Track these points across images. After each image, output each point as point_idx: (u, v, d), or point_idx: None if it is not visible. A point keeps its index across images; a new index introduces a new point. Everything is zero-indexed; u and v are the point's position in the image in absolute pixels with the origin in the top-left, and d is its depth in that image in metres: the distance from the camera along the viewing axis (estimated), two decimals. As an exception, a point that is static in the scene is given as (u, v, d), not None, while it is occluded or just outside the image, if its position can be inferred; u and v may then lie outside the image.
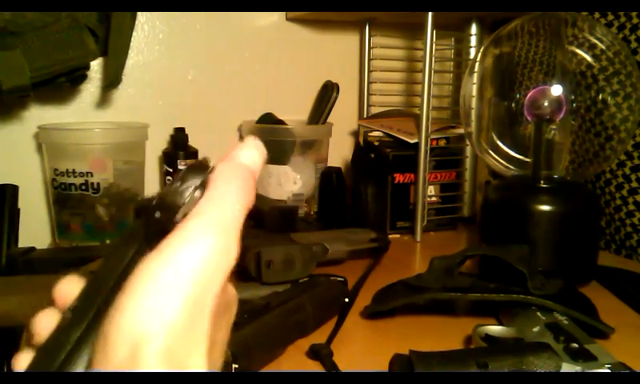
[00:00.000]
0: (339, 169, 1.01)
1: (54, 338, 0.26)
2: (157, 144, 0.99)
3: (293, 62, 1.11)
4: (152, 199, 0.29)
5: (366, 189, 1.00)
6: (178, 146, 0.97)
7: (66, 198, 0.86)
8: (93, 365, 0.24)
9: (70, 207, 0.86)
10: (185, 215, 0.27)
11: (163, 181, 0.98)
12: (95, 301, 0.26)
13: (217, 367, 0.28)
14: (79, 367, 0.25)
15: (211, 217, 0.26)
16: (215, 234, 0.26)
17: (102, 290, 0.26)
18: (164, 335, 0.23)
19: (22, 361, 0.27)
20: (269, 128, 1.02)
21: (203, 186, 0.28)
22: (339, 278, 0.70)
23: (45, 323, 0.28)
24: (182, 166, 0.96)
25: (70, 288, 0.29)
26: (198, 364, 0.25)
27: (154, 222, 0.28)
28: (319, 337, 0.58)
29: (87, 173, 0.84)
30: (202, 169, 0.29)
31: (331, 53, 1.14)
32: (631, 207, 0.87)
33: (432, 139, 0.97)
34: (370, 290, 0.69)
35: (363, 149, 1.03)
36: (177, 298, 0.24)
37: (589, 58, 0.79)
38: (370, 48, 1.11)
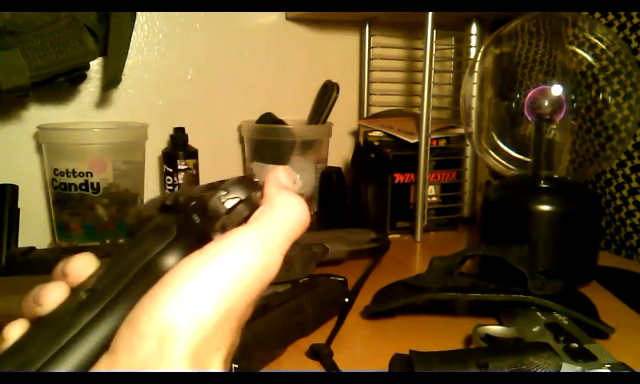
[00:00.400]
0: (339, 169, 1.01)
1: (61, 315, 0.25)
2: (156, 144, 0.99)
3: (293, 62, 1.11)
4: (190, 199, 0.29)
5: (366, 189, 1.00)
6: (178, 146, 0.97)
7: (65, 198, 0.86)
8: (115, 352, 0.23)
9: (70, 207, 0.86)
10: (223, 226, 0.28)
11: (163, 181, 0.98)
12: (114, 287, 0.25)
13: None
14: (83, 352, 0.24)
15: (265, 233, 0.27)
16: (264, 250, 0.26)
17: (123, 277, 0.25)
18: (193, 335, 0.23)
19: (15, 330, 0.26)
20: (268, 128, 1.02)
21: (248, 202, 0.28)
22: (339, 278, 0.70)
23: (53, 296, 0.26)
24: (182, 166, 0.96)
25: (85, 265, 0.27)
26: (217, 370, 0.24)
27: (191, 225, 0.27)
28: (319, 337, 0.58)
29: (87, 173, 0.84)
30: (250, 185, 0.29)
31: (331, 52, 1.14)
32: (631, 207, 0.87)
33: (432, 139, 0.96)
34: (370, 290, 0.69)
35: (363, 149, 1.03)
36: (212, 300, 0.24)
37: (589, 58, 0.79)
38: (369, 48, 1.11)
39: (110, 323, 0.24)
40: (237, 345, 0.27)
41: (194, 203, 0.28)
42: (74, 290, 0.26)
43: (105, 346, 0.24)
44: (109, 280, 0.26)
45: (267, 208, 0.28)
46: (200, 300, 0.24)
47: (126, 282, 0.25)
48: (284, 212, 0.28)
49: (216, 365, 0.24)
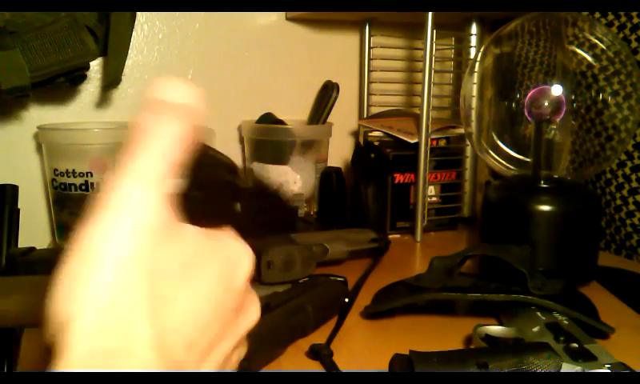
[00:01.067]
0: (339, 169, 1.01)
1: None
2: (157, 144, 0.99)
3: (293, 62, 1.11)
4: None
5: (366, 189, 1.00)
6: (178, 146, 0.97)
7: (65, 198, 0.86)
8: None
9: (70, 207, 0.86)
10: None
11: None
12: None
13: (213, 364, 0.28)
14: None
15: (133, 176, 0.25)
16: (149, 204, 0.24)
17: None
18: (89, 310, 0.22)
19: None
20: (269, 128, 1.02)
21: None
22: (339, 278, 0.70)
23: None
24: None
25: None
26: (142, 346, 0.23)
27: None
28: (319, 337, 0.58)
29: (87, 173, 0.84)
30: None
31: (331, 53, 1.14)
32: (631, 207, 0.87)
33: (432, 139, 0.96)
34: (370, 290, 0.69)
35: (363, 149, 1.03)
36: (101, 267, 0.23)
37: (589, 58, 0.79)
38: (370, 48, 1.11)
39: None
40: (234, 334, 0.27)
41: None
42: None
43: None
44: None
45: (133, 143, 0.25)
46: (91, 273, 0.23)
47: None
48: (149, 142, 0.25)
49: (139, 343, 0.23)
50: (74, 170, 0.84)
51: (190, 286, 0.26)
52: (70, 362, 0.21)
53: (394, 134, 1.00)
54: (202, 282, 0.26)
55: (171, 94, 0.26)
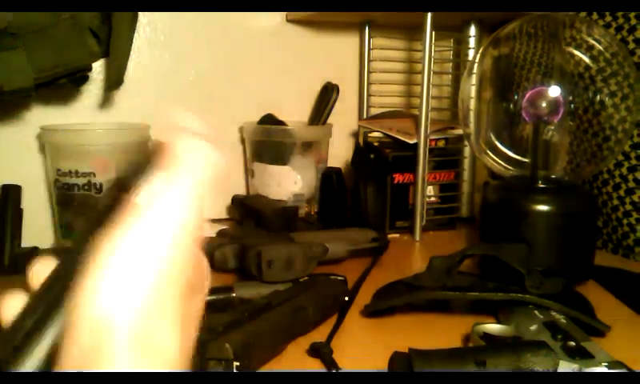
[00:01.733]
0: (339, 169, 1.02)
1: (10, 323, 0.25)
2: (158, 145, 1.00)
3: (293, 63, 1.12)
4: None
5: (365, 189, 1.00)
6: (180, 147, 0.97)
7: (68, 198, 0.86)
8: (65, 345, 0.23)
9: (73, 207, 0.87)
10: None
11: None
12: (56, 284, 0.25)
13: (191, 340, 0.27)
14: (36, 353, 0.24)
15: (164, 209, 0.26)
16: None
17: (65, 274, 0.25)
18: (124, 320, 0.23)
19: None
20: (270, 129, 1.03)
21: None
22: (339, 277, 0.70)
23: (10, 307, 0.26)
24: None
25: (43, 270, 0.28)
26: (167, 339, 0.24)
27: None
28: (319, 335, 0.59)
29: (90, 173, 0.85)
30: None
31: (331, 54, 1.14)
32: (628, 207, 0.88)
33: (431, 140, 0.97)
34: (369, 288, 0.70)
35: (363, 149, 1.04)
36: (137, 282, 0.24)
37: (586, 59, 0.80)
38: (369, 49, 1.12)
39: (51, 324, 0.24)
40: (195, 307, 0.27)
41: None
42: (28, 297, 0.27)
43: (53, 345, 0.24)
44: (51, 282, 0.26)
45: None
46: (122, 283, 0.24)
47: (64, 282, 0.25)
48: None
49: (164, 331, 0.24)
50: (76, 170, 0.85)
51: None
52: (117, 356, 0.23)
53: (394, 135, 1.01)
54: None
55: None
